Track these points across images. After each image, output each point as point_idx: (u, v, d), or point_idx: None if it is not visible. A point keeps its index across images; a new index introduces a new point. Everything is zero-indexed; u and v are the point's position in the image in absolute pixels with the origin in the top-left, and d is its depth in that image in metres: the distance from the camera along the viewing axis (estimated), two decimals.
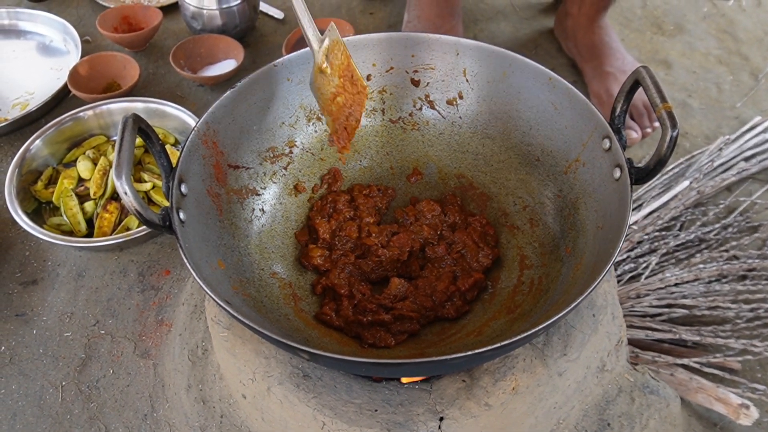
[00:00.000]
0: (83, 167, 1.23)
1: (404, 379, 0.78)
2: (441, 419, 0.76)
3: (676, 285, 1.15)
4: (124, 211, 1.20)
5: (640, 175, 0.75)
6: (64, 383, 1.05)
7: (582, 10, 1.52)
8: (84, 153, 1.27)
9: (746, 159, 1.37)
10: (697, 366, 1.05)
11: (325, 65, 0.85)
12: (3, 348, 1.08)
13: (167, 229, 0.72)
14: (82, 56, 1.52)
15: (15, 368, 1.06)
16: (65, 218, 1.18)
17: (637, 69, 0.78)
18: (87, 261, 1.20)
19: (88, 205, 1.20)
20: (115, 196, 1.21)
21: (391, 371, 0.68)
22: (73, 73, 1.43)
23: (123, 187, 0.67)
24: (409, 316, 0.81)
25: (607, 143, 0.80)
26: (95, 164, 1.25)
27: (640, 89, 0.79)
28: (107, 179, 1.22)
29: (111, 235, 1.17)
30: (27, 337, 1.10)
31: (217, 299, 0.66)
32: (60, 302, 1.14)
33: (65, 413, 1.01)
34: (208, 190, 0.83)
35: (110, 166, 1.24)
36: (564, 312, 0.65)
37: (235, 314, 0.65)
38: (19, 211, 1.13)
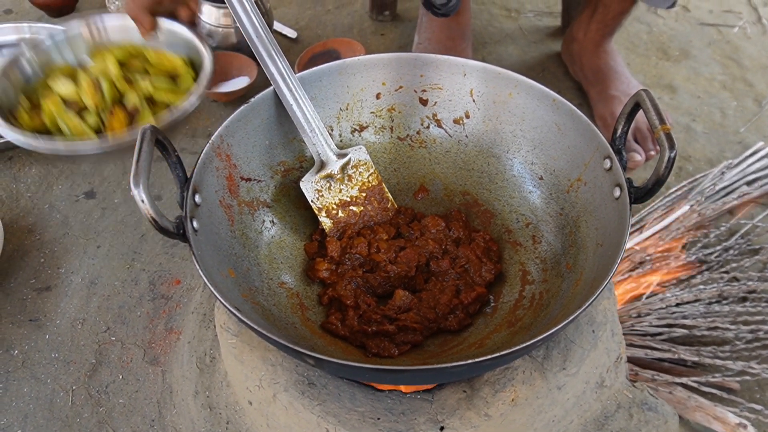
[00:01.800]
0: (64, 88, 1.15)
1: (406, 388, 0.80)
2: (442, 428, 0.78)
3: (676, 305, 1.17)
4: (134, 120, 1.13)
5: (639, 195, 0.77)
6: (74, 387, 1.07)
7: (588, 35, 1.55)
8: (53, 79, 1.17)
9: (748, 183, 1.40)
10: (695, 385, 1.07)
11: (339, 176, 0.94)
12: (16, 352, 1.11)
13: (181, 237, 0.75)
14: None
15: (27, 371, 1.09)
16: (68, 134, 1.10)
17: (637, 92, 0.80)
18: (100, 269, 1.23)
19: (90, 119, 1.12)
20: (118, 101, 1.15)
21: (393, 378, 0.70)
22: None
23: (140, 195, 0.70)
24: (413, 327, 0.83)
25: (608, 163, 0.83)
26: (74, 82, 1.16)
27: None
28: (102, 87, 1.14)
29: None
30: (40, 342, 1.13)
31: (227, 305, 0.69)
32: (72, 309, 1.17)
33: (75, 416, 1.04)
34: (221, 201, 0.86)
35: (99, 76, 1.15)
36: (562, 324, 0.67)
37: (245, 319, 0.68)
38: None
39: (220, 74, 1.56)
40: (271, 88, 0.92)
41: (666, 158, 0.73)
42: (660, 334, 1.14)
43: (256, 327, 0.67)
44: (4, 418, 1.03)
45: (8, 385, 1.07)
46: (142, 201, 0.70)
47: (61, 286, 1.21)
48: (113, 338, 1.13)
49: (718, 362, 1.09)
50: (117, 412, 1.04)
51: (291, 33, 1.79)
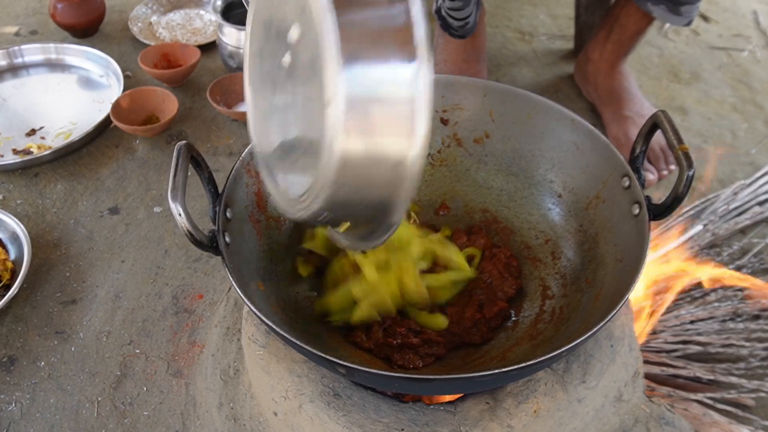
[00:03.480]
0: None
1: (429, 399, 0.82)
2: None
3: (691, 322, 1.18)
4: None
5: (658, 211, 0.80)
6: (99, 399, 1.09)
7: (603, 56, 1.58)
8: None
9: (760, 203, 1.42)
10: (710, 402, 1.08)
11: None
12: (43, 363, 1.13)
13: (214, 249, 0.78)
14: (123, 90, 1.60)
15: (54, 383, 1.11)
16: None
17: (655, 113, 0.83)
18: (124, 283, 1.26)
19: None
20: None
21: (422, 387, 0.72)
22: (116, 106, 1.50)
23: (177, 209, 0.72)
24: (437, 340, 0.86)
25: (626, 181, 0.85)
26: None
27: (658, 133, 0.85)
28: None
29: None
30: (65, 354, 1.15)
31: (261, 316, 0.71)
32: (97, 322, 1.20)
33: (100, 427, 1.06)
34: (250, 216, 0.89)
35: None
36: (585, 337, 0.69)
37: (279, 330, 0.70)
38: None
39: (242, 94, 1.59)
40: None
41: (685, 176, 0.76)
42: (675, 350, 1.16)
43: (290, 337, 0.70)
44: (31, 428, 1.05)
45: (35, 396, 1.09)
46: (180, 214, 0.73)
47: (86, 300, 1.23)
48: (137, 351, 1.16)
49: (733, 380, 1.10)
50: (142, 423, 1.06)
51: None
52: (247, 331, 0.91)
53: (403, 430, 0.81)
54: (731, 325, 1.17)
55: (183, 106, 1.63)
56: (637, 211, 0.82)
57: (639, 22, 1.48)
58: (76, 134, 1.50)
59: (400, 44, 0.47)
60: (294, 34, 0.52)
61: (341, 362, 0.67)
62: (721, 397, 1.08)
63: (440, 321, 0.89)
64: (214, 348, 1.08)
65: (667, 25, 2.01)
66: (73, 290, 1.25)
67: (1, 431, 1.05)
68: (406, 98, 0.48)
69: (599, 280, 0.86)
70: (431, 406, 0.82)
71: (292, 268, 0.93)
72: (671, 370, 1.12)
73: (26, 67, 1.73)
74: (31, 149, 1.47)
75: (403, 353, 0.84)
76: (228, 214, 0.83)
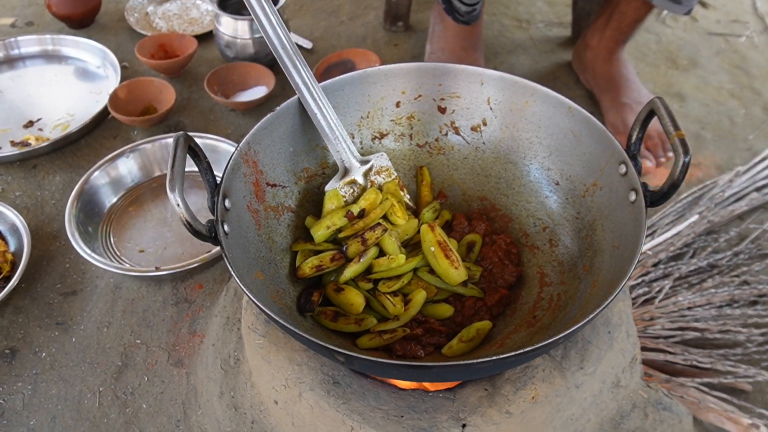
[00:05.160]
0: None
1: (431, 386, 0.83)
2: (463, 426, 0.80)
3: (688, 308, 1.19)
4: None
5: (655, 198, 0.80)
6: (101, 389, 1.10)
7: (602, 43, 1.58)
8: None
9: (758, 189, 1.42)
10: (706, 390, 1.09)
11: (362, 181, 0.97)
12: (44, 354, 1.14)
13: (213, 240, 0.78)
14: (120, 81, 1.60)
15: (55, 374, 1.12)
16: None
17: (652, 99, 0.83)
18: (123, 274, 1.26)
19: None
20: None
21: (421, 374, 0.73)
22: (113, 97, 1.50)
23: (176, 199, 0.73)
24: (439, 329, 0.86)
25: (623, 168, 0.85)
26: None
27: (656, 120, 0.85)
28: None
29: None
30: (67, 345, 1.16)
31: (260, 305, 0.72)
32: (98, 312, 1.20)
33: (102, 417, 1.06)
34: (248, 206, 0.89)
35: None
36: (582, 323, 0.69)
37: (278, 319, 0.70)
38: (80, 242, 1.20)
39: (239, 84, 1.60)
40: (295, 97, 0.95)
41: (681, 163, 0.76)
42: (672, 336, 1.16)
43: (289, 326, 0.70)
44: (33, 418, 1.06)
45: (37, 387, 1.10)
46: (178, 205, 0.73)
47: (87, 291, 1.24)
48: (138, 341, 1.16)
49: (729, 366, 1.11)
50: (143, 413, 1.07)
51: (306, 44, 1.83)
52: (246, 321, 0.92)
53: (402, 416, 0.81)
54: (728, 311, 1.17)
55: (180, 97, 1.63)
56: (633, 198, 0.82)
57: (638, 9, 1.47)
58: (74, 126, 1.50)
59: None
60: None
61: (340, 350, 0.68)
62: (718, 383, 1.09)
63: (445, 309, 0.89)
64: (215, 338, 1.08)
65: (665, 11, 2.01)
66: (73, 281, 1.25)
67: (3, 422, 1.06)
68: None
69: (596, 267, 0.86)
70: (430, 393, 0.83)
71: (291, 259, 0.94)
72: (669, 356, 1.13)
73: (23, 58, 1.72)
74: (29, 141, 1.47)
75: (405, 343, 0.85)
76: (226, 204, 0.83)
